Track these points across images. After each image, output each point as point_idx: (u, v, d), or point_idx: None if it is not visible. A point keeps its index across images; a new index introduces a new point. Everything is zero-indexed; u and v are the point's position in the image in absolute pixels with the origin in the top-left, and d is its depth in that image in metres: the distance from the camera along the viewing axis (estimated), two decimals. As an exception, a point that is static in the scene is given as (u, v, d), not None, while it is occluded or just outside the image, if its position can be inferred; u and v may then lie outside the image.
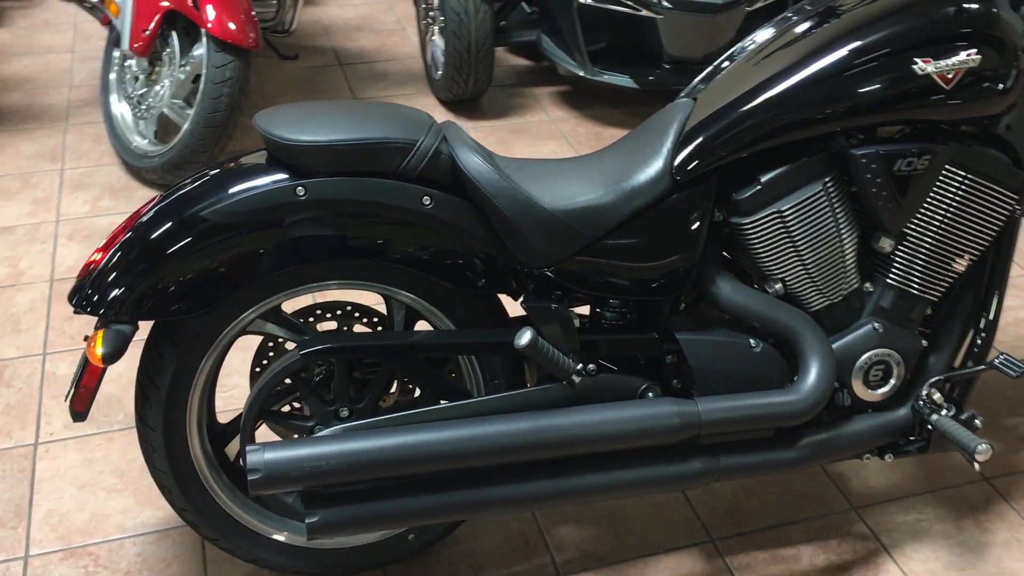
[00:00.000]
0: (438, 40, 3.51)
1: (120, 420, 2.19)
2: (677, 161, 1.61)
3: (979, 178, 1.67)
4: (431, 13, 3.54)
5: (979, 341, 1.82)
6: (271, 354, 1.74)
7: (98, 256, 1.55)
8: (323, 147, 1.48)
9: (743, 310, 1.68)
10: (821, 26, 1.65)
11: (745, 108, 1.60)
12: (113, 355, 1.48)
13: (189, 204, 1.51)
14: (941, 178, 1.65)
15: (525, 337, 1.53)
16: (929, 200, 1.67)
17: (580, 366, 1.60)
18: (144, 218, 1.53)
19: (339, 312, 1.76)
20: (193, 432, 1.65)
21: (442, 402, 1.63)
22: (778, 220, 1.64)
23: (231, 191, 1.50)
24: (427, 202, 1.54)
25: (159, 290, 1.49)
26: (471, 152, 1.54)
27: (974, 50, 1.59)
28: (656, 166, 1.62)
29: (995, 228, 1.72)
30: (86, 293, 1.51)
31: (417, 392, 1.73)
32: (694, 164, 1.61)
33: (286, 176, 1.51)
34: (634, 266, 1.62)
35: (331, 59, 3.95)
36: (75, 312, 1.53)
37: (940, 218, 1.68)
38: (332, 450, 1.48)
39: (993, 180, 1.68)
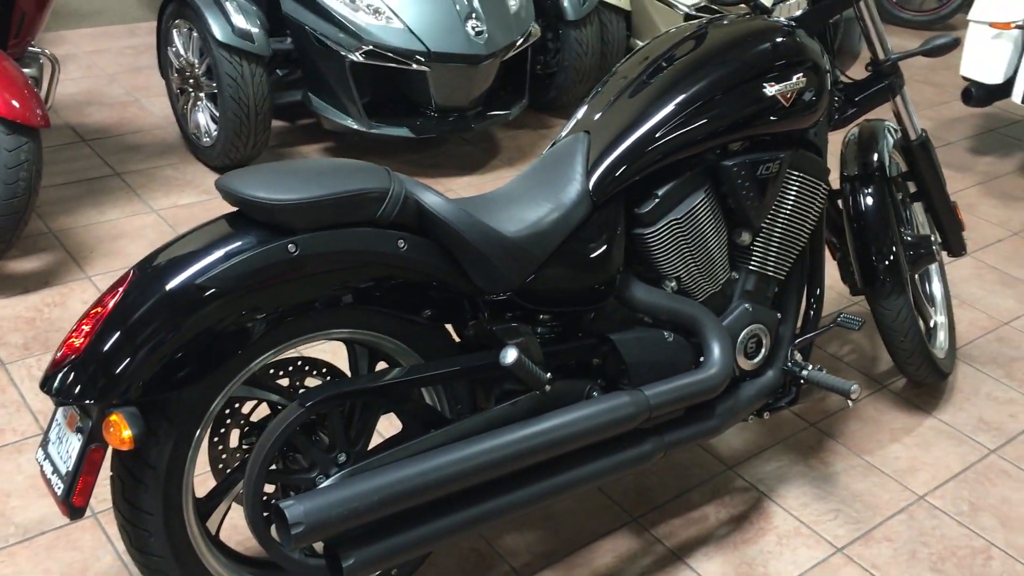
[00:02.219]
0: (205, 107, 3.47)
1: (12, 532, 1.99)
2: (592, 186, 1.85)
3: (807, 175, 2.08)
4: (192, 81, 3.49)
5: (815, 306, 2.25)
6: (227, 422, 1.72)
7: (79, 341, 1.47)
8: (309, 204, 1.54)
9: (654, 307, 1.95)
10: (682, 62, 1.97)
11: (638, 137, 1.88)
12: (143, 434, 1.42)
13: (179, 274, 1.49)
14: (785, 178, 2.04)
15: (511, 355, 1.68)
16: (778, 198, 2.05)
17: (549, 375, 1.78)
18: (130, 293, 1.49)
19: (290, 368, 1.78)
20: (189, 509, 1.60)
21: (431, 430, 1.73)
22: (675, 226, 1.93)
23: (222, 256, 1.50)
24: (402, 245, 1.64)
25: (163, 363, 1.46)
26: (433, 194, 1.67)
27: (800, 73, 1.99)
28: (577, 192, 1.85)
29: (818, 212, 2.14)
30: (76, 380, 1.44)
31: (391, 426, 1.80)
32: (607, 187, 1.85)
33: (271, 235, 1.54)
34: (576, 278, 1.83)
35: (71, 136, 3.73)
36: (64, 403, 1.45)
37: (785, 210, 2.07)
38: (361, 489, 1.53)
39: (814, 175, 2.10)
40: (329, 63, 3.41)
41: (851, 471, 2.39)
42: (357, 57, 3.34)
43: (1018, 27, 3.85)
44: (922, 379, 2.61)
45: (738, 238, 2.05)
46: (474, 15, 3.43)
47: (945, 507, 2.29)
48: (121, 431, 1.41)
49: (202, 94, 3.48)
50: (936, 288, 2.76)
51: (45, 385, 1.48)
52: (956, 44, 2.29)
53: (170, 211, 3.30)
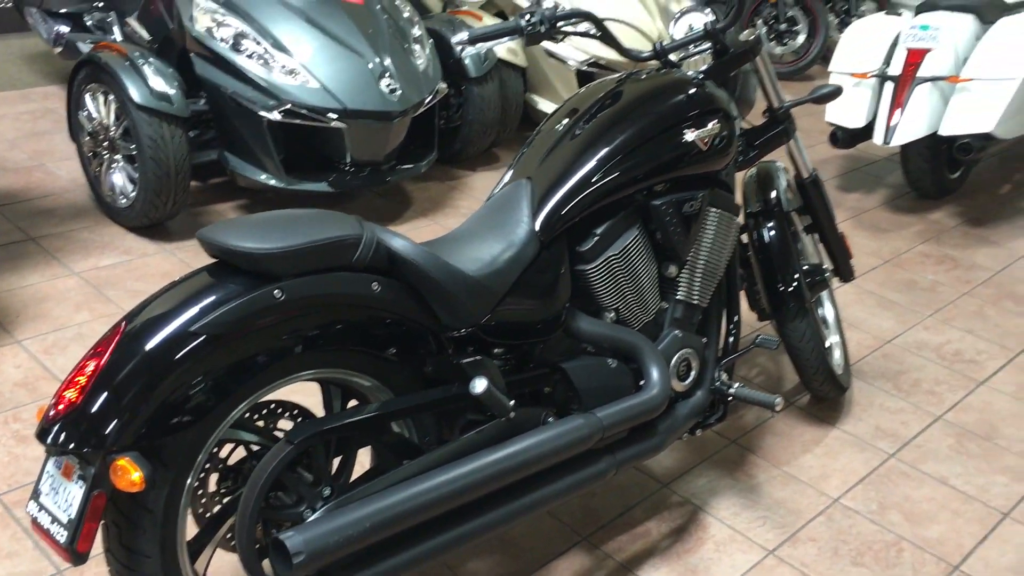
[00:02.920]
0: (122, 168, 3.49)
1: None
2: (538, 227, 2.02)
3: (722, 211, 2.30)
4: (106, 143, 3.51)
5: (734, 330, 2.46)
6: (207, 466, 1.78)
7: (74, 393, 1.53)
8: (292, 251, 1.65)
9: (597, 337, 2.12)
10: (610, 113, 2.17)
11: (577, 182, 2.06)
12: (152, 475, 1.49)
13: (172, 322, 1.57)
14: (704, 215, 2.26)
15: (481, 385, 1.81)
16: (700, 232, 2.26)
17: (513, 403, 1.92)
18: (124, 343, 1.56)
19: (264, 411, 1.86)
20: (183, 551, 1.66)
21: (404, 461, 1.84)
22: (613, 262, 2.11)
23: (211, 304, 1.59)
24: (375, 287, 1.76)
25: (161, 409, 1.53)
26: (400, 239, 1.80)
27: (714, 120, 2.22)
28: (525, 232, 2.01)
29: (733, 244, 2.36)
30: (75, 430, 1.50)
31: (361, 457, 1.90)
32: (551, 227, 2.03)
33: (256, 283, 1.64)
34: (530, 311, 1.98)
35: (-24, 202, 3.68)
36: (63, 452, 1.50)
37: (705, 243, 2.28)
38: (353, 518, 1.62)
39: (728, 211, 2.32)
40: (246, 122, 3.50)
41: (772, 481, 2.60)
42: (275, 116, 3.44)
43: (874, 76, 4.27)
44: (825, 394, 2.87)
45: (666, 271, 2.25)
46: (387, 74, 3.58)
47: (857, 507, 2.53)
48: (131, 473, 1.48)
49: (118, 156, 3.50)
50: (828, 312, 3.03)
51: (43, 437, 1.53)
52: (840, 92, 2.58)
53: (91, 273, 3.30)
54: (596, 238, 2.10)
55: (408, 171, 3.87)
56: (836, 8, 6.61)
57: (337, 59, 3.51)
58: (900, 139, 4.09)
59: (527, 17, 2.22)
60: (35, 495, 1.62)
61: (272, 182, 3.58)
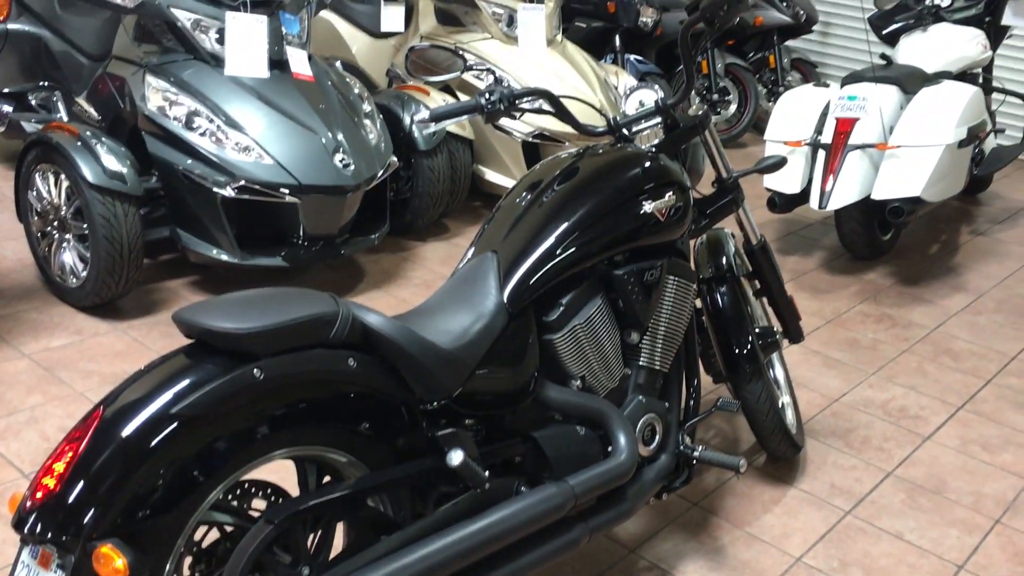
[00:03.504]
0: (73, 248, 3.46)
1: None
2: (507, 298, 2.07)
3: (680, 278, 2.38)
4: (57, 223, 3.48)
5: (694, 393, 2.53)
6: (181, 550, 1.77)
7: (51, 480, 1.52)
8: (271, 330, 1.67)
9: (565, 405, 2.16)
10: (570, 187, 2.24)
11: (543, 254, 2.12)
12: (136, 561, 1.47)
13: (152, 405, 1.57)
14: (664, 283, 2.33)
15: (458, 457, 1.83)
16: (659, 300, 2.33)
17: (487, 473, 1.94)
18: (101, 430, 1.55)
19: (239, 491, 1.85)
20: (164, 637, 1.63)
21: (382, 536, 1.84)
22: (579, 330, 2.17)
23: (190, 385, 1.60)
24: (352, 363, 1.78)
25: (142, 493, 1.52)
26: (374, 314, 1.83)
27: (671, 192, 2.31)
28: (494, 304, 2.05)
29: (690, 310, 2.44)
30: (54, 518, 1.49)
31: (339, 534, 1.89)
32: (519, 298, 2.08)
33: (235, 362, 1.65)
34: (501, 382, 2.02)
35: (-81, 285, 3.60)
36: (42, 541, 1.48)
37: (665, 310, 2.35)
38: None
39: (686, 278, 2.40)
40: (200, 199, 3.50)
41: (736, 542, 2.64)
42: (229, 192, 3.46)
43: (807, 144, 4.45)
44: (781, 454, 2.94)
45: (628, 337, 2.31)
46: (340, 149, 3.63)
47: (819, 566, 2.58)
48: (114, 560, 1.46)
49: (68, 235, 3.47)
50: (779, 372, 3.12)
51: (19, 526, 1.51)
52: (784, 163, 2.70)
53: (42, 354, 3.25)
54: (562, 308, 2.15)
55: (361, 243, 3.90)
56: (764, 79, 6.88)
57: (290, 135, 3.55)
58: (835, 204, 4.26)
59: (487, 96, 2.30)
60: (10, 586, 1.59)
61: (225, 258, 3.58)
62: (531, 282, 2.09)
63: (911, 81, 4.59)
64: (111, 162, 3.30)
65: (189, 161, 3.49)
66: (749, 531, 2.69)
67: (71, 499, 1.49)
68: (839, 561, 2.60)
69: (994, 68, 5.72)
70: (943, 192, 4.42)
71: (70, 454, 1.54)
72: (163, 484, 1.55)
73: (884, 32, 5.33)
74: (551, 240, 2.14)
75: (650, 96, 2.54)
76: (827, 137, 4.38)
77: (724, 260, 2.76)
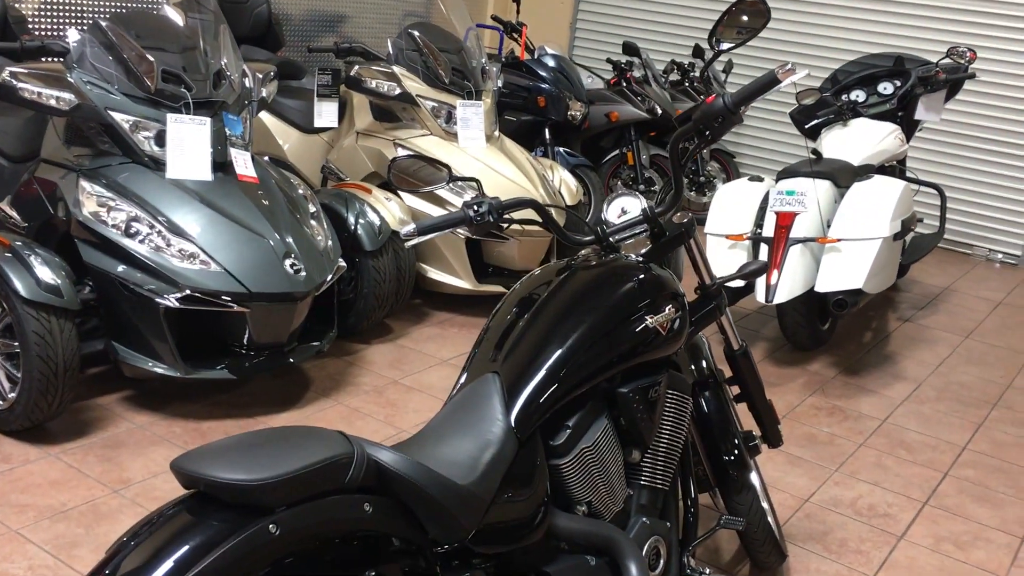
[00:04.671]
0: (0, 367, 3.19)
1: None
2: (514, 424, 1.95)
3: (677, 392, 2.30)
4: (-20, 339, 3.21)
5: (692, 509, 2.43)
6: None
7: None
8: (285, 481, 1.50)
9: (575, 533, 2.04)
10: (567, 303, 2.15)
11: (550, 375, 2.01)
12: None
13: (153, 573, 1.39)
14: (664, 398, 2.25)
15: (482, 608, 1.69)
16: (661, 416, 2.25)
17: (507, 620, 1.79)
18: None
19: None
20: None
21: None
22: (586, 453, 2.06)
23: (198, 547, 1.43)
24: (368, 508, 1.63)
25: None
26: (388, 451, 1.69)
27: (670, 304, 2.24)
28: (502, 430, 1.93)
29: (687, 424, 2.36)
30: None
31: None
32: (528, 423, 1.96)
33: (244, 517, 1.48)
34: (516, 516, 1.88)
35: None
36: None
37: (666, 427, 2.27)
38: None
39: (683, 391, 2.33)
40: (139, 310, 3.29)
41: (736, 663, 2.54)
42: (173, 303, 3.25)
43: (749, 238, 4.50)
44: (771, 565, 2.86)
45: (629, 456, 2.21)
46: (291, 254, 3.48)
47: None
48: None
49: (-6, 355, 3.21)
50: (755, 478, 3.06)
51: None
52: (766, 268, 2.68)
53: (-34, 486, 2.95)
54: (569, 431, 2.04)
55: (310, 351, 3.72)
56: (623, 178, 6.96)
57: (238, 240, 3.38)
58: (781, 297, 4.29)
59: (475, 208, 2.21)
60: None
61: (166, 372, 3.35)
62: (539, 404, 1.98)
63: (843, 175, 4.72)
64: (46, 274, 3.07)
65: (128, 270, 3.28)
66: (748, 651, 2.59)
67: None
68: None
69: (907, 160, 5.96)
70: (882, 283, 4.51)
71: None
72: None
73: (806, 127, 5.49)
74: (556, 359, 2.04)
75: (634, 204, 2.49)
76: (768, 231, 4.44)
77: (704, 365, 2.70)
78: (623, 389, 2.15)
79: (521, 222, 2.34)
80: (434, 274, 4.69)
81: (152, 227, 3.32)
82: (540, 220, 2.35)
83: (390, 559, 1.69)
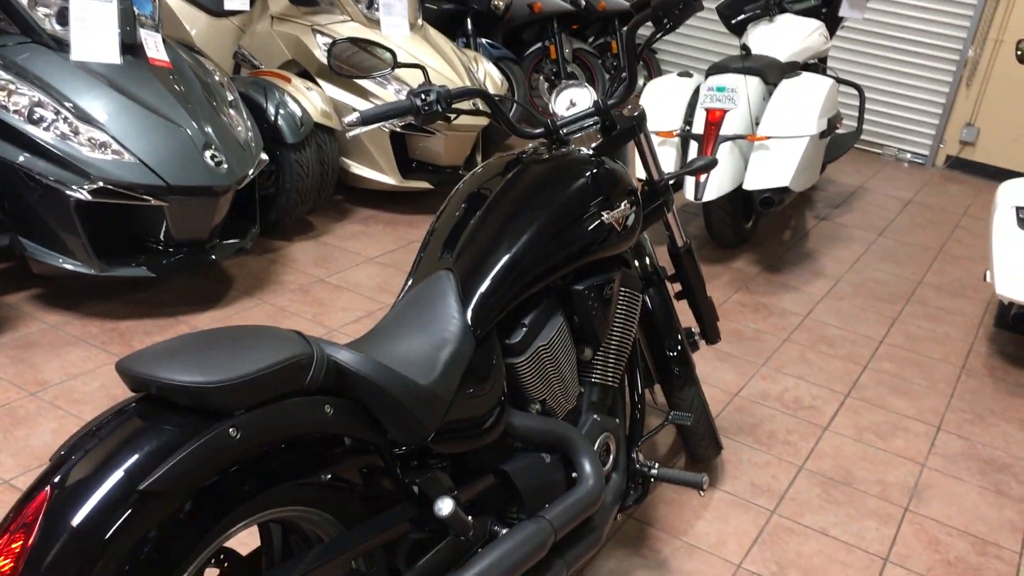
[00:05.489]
0: None
1: None
2: (471, 322, 1.88)
3: (629, 289, 2.27)
4: None
5: (640, 406, 2.42)
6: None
7: (7, 562, 1.22)
8: (244, 382, 1.41)
9: (530, 432, 2.01)
10: (521, 197, 2.06)
11: (506, 270, 1.94)
12: None
13: (108, 481, 1.29)
14: (618, 296, 2.21)
15: (448, 506, 1.65)
16: (614, 313, 2.21)
17: (470, 519, 1.75)
18: (51, 517, 1.27)
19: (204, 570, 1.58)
20: None
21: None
22: (542, 352, 2.01)
23: (153, 452, 1.33)
24: (328, 410, 1.55)
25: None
26: (347, 351, 1.61)
27: (625, 200, 2.18)
28: (459, 328, 1.86)
29: (636, 321, 2.33)
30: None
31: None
32: (485, 321, 1.90)
33: (202, 421, 1.39)
34: (476, 415, 1.83)
35: None
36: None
37: (617, 324, 2.23)
38: None
39: (635, 288, 2.29)
40: (48, 203, 3.07)
41: (677, 553, 2.58)
42: (84, 195, 3.04)
43: (678, 135, 4.46)
44: (708, 457, 2.90)
45: (581, 354, 2.18)
46: (212, 145, 3.28)
47: (759, 571, 2.56)
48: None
49: None
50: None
51: None
52: (715, 163, 2.63)
53: None
54: (525, 329, 1.99)
55: (232, 248, 3.56)
56: (607, 64, 6.88)
57: (154, 130, 3.17)
58: (711, 195, 4.28)
59: (423, 96, 2.09)
60: None
61: (79, 269, 3.16)
62: (496, 301, 1.91)
63: (771, 72, 4.69)
64: (-58, 163, 2.83)
65: (35, 160, 3.04)
66: (687, 540, 2.64)
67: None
68: (776, 564, 2.59)
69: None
70: (807, 181, 4.54)
71: (19, 545, 1.25)
72: (132, 565, 1.28)
73: (733, 21, 5.42)
74: (512, 255, 1.97)
75: (584, 96, 2.40)
76: (698, 128, 4.40)
77: (648, 262, 2.67)
78: (578, 287, 2.10)
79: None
80: (357, 169, 4.52)
81: (58, 113, 3.08)
82: (488, 110, 2.24)
83: (356, 466, 1.63)
